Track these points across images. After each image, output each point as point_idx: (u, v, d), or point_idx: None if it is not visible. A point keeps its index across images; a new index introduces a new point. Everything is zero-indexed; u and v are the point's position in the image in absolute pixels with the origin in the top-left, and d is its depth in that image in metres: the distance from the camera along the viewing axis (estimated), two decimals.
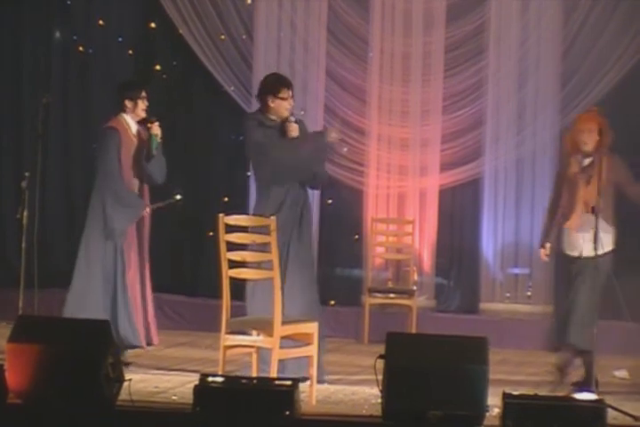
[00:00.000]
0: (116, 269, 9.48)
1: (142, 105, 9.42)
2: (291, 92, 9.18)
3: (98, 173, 9.59)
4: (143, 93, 9.47)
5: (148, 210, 9.69)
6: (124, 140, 9.48)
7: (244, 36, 11.95)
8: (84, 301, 9.53)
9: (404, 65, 12.07)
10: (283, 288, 8.45)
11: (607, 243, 8.82)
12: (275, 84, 9.12)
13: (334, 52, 12.08)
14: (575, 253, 9.00)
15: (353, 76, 12.13)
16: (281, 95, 9.03)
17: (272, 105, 9.03)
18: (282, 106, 9.05)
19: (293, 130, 8.98)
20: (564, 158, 9.41)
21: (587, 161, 8.94)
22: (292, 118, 9.09)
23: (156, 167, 9.57)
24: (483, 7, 12.11)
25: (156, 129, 9.40)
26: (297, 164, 8.88)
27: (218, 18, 11.95)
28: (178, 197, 10.08)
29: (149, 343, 9.58)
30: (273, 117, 9.06)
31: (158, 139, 9.47)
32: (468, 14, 12.11)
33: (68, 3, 12.45)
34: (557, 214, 9.14)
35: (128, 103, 9.40)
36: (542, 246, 9.32)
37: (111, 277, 9.49)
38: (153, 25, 12.37)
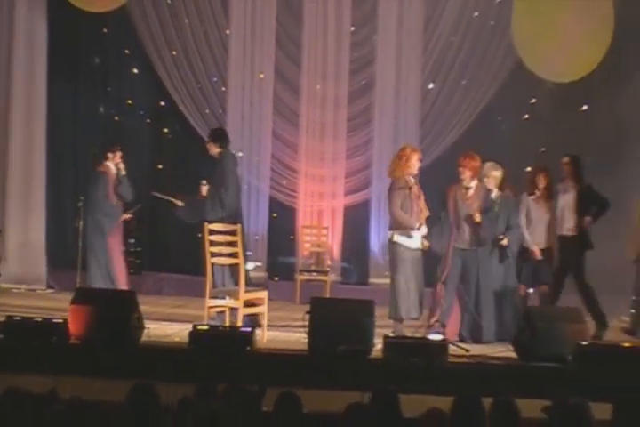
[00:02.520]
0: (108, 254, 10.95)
1: (118, 155, 11.01)
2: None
3: (93, 198, 10.97)
4: (117, 147, 11.00)
5: (125, 216, 11.18)
6: (109, 177, 10.92)
7: (220, 111, 12.96)
8: (98, 273, 10.93)
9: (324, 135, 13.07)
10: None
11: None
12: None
13: (277, 120, 13.09)
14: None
15: (294, 137, 13.09)
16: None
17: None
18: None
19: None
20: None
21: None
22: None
23: (124, 191, 11.00)
24: (372, 68, 12.97)
25: (121, 166, 10.89)
26: None
27: (203, 98, 12.91)
28: (139, 205, 11.41)
29: None
30: None
31: (122, 172, 10.87)
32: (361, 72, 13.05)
33: (109, 89, 13.40)
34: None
35: (110, 155, 11.00)
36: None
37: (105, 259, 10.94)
38: (162, 103, 13.26)
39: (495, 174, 9.82)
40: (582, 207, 9.94)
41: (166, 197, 10.44)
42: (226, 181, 9.94)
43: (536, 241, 10.04)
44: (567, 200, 10.07)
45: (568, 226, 10.02)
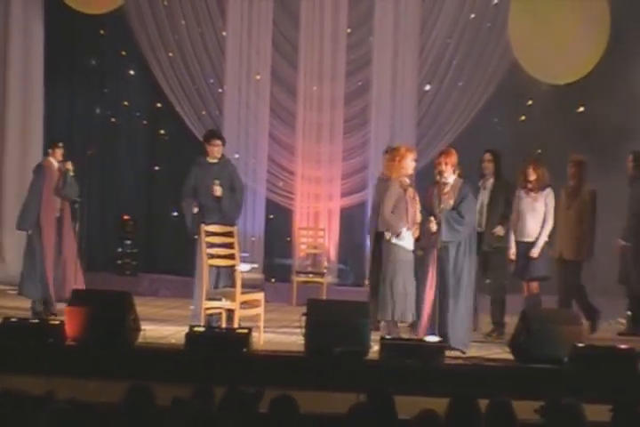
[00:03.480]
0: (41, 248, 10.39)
1: (59, 151, 10.57)
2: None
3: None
4: (60, 144, 10.58)
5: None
6: (45, 171, 10.50)
7: (216, 113, 12.93)
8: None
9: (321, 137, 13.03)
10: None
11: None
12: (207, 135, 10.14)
13: (274, 122, 13.10)
14: None
15: (289, 138, 13.08)
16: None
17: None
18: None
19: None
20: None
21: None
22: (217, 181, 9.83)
23: (68, 191, 10.52)
24: (368, 69, 12.97)
25: (68, 166, 10.48)
26: None
27: (199, 99, 12.94)
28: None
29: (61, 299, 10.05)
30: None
31: (70, 173, 10.48)
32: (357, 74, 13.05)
33: (105, 91, 13.42)
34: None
35: (49, 150, 10.62)
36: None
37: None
38: (159, 105, 13.25)
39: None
40: (492, 205, 10.05)
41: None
42: (240, 182, 10.18)
43: (526, 234, 9.96)
44: (484, 196, 10.18)
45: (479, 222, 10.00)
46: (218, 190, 9.89)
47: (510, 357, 8.68)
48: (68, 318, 8.51)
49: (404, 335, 9.15)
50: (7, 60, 12.83)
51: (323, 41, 12.97)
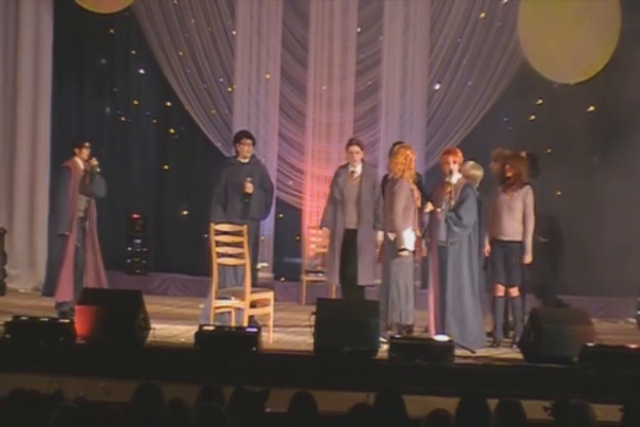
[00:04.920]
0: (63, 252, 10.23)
1: (86, 151, 10.50)
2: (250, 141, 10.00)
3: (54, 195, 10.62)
4: (87, 144, 10.54)
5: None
6: (72, 172, 10.37)
7: (226, 112, 12.89)
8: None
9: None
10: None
11: None
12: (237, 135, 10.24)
13: (283, 121, 13.05)
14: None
15: (299, 138, 13.05)
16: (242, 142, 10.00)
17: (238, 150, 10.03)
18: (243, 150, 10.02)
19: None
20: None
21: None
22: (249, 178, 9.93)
23: (95, 188, 10.46)
24: (378, 69, 12.94)
25: (94, 162, 10.42)
26: None
27: (209, 98, 12.90)
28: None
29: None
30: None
31: (96, 169, 10.43)
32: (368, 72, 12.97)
33: (115, 90, 13.35)
34: None
35: (76, 150, 10.49)
36: None
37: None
38: (168, 104, 13.22)
39: (476, 173, 9.77)
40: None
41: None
42: (270, 182, 10.34)
43: (503, 232, 9.55)
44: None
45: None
46: (250, 187, 9.95)
47: (520, 356, 8.68)
48: (78, 317, 8.54)
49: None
50: (18, 58, 12.82)
51: (332, 40, 12.94)
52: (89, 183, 10.44)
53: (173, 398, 4.58)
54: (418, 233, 9.35)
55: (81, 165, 10.56)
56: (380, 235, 9.67)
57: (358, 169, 9.99)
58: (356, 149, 9.98)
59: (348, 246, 9.86)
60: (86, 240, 10.38)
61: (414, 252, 9.38)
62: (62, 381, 4.97)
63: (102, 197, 10.66)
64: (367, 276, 9.85)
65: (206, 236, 9.74)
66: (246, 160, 10.17)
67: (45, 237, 12.55)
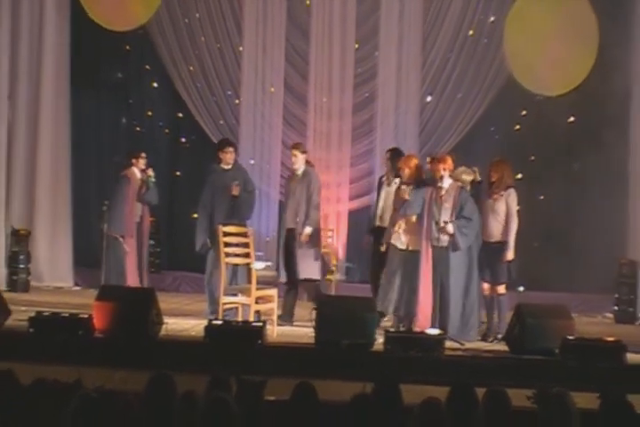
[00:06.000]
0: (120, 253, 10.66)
1: (142, 161, 10.81)
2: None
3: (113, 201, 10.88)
4: (143, 155, 10.83)
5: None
6: (129, 181, 10.73)
7: (233, 122, 12.98)
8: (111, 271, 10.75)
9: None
10: None
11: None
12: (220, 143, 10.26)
13: (286, 130, 13.07)
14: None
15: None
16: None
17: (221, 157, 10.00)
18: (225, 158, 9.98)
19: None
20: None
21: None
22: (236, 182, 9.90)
23: (149, 196, 10.80)
24: (374, 82, 13.03)
25: (150, 173, 10.71)
26: None
27: (217, 109, 12.97)
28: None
29: None
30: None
31: (151, 179, 10.72)
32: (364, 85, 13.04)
33: (130, 102, 13.48)
34: None
35: (133, 160, 10.85)
36: None
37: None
38: (180, 115, 13.34)
39: (466, 178, 9.68)
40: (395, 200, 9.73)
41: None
42: (252, 184, 10.32)
43: (489, 234, 9.38)
44: (388, 192, 10.02)
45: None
46: (236, 190, 9.96)
47: (505, 348, 8.70)
48: (96, 312, 8.56)
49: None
50: (40, 72, 12.79)
51: (332, 55, 13.02)
52: (145, 192, 10.71)
53: (187, 390, 4.57)
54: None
55: (137, 174, 10.79)
56: (308, 230, 9.78)
57: (299, 171, 10.06)
58: (294, 152, 10.02)
59: (289, 244, 9.98)
60: (140, 243, 10.73)
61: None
62: (81, 371, 4.92)
63: (156, 205, 10.90)
64: (308, 271, 9.94)
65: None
66: (229, 166, 10.17)
67: (69, 237, 12.75)
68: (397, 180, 9.80)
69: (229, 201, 10.09)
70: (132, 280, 10.63)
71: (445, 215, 9.10)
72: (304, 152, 10.16)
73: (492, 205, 9.39)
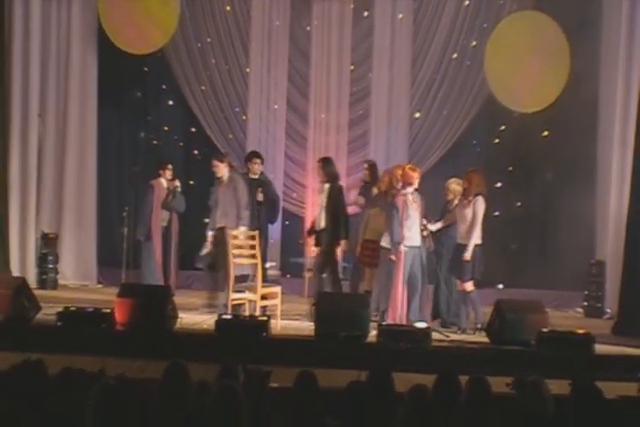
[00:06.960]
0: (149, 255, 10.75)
1: (169, 172, 10.96)
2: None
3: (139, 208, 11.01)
4: (169, 166, 10.99)
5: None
6: (155, 190, 10.81)
7: (241, 136, 12.87)
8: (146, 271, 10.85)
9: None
10: None
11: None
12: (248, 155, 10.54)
13: (289, 143, 13.01)
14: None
15: (302, 157, 12.97)
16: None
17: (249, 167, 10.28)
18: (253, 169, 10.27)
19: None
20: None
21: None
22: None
23: (175, 204, 10.93)
24: (368, 100, 12.87)
25: (177, 183, 10.87)
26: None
27: (227, 125, 12.92)
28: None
29: None
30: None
31: (178, 188, 10.88)
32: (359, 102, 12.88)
33: (149, 118, 13.35)
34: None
35: (160, 171, 10.96)
36: None
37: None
38: (193, 129, 13.23)
39: (457, 188, 9.65)
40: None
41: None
42: (276, 193, 10.66)
43: (458, 236, 9.33)
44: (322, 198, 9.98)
45: None
46: (260, 197, 10.20)
47: (486, 340, 8.71)
48: (117, 308, 8.57)
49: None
50: (67, 92, 12.85)
51: (330, 76, 12.93)
52: (170, 200, 10.77)
53: (200, 380, 4.58)
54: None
55: (164, 183, 10.86)
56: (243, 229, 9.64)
57: (224, 178, 10.00)
58: (214, 163, 9.97)
59: (221, 241, 9.87)
60: (167, 245, 10.79)
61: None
62: (104, 361, 4.92)
63: (182, 212, 10.96)
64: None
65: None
66: (256, 176, 10.35)
67: (94, 240, 12.82)
68: (327, 185, 9.93)
69: (254, 206, 10.21)
70: (158, 278, 10.68)
71: (420, 218, 9.17)
72: (222, 161, 10.02)
73: (461, 210, 9.29)
